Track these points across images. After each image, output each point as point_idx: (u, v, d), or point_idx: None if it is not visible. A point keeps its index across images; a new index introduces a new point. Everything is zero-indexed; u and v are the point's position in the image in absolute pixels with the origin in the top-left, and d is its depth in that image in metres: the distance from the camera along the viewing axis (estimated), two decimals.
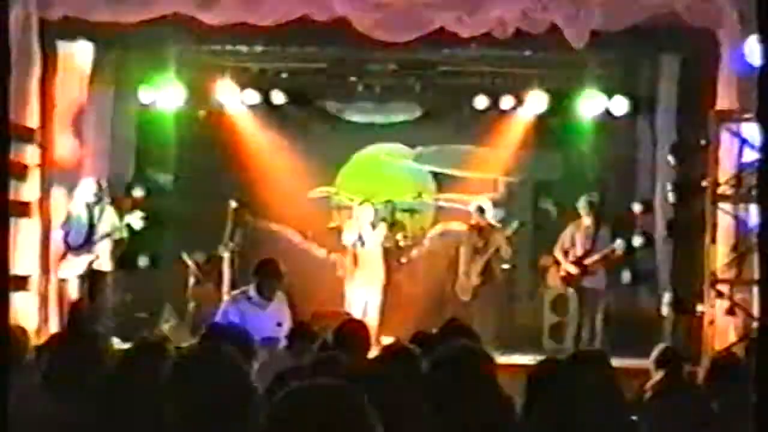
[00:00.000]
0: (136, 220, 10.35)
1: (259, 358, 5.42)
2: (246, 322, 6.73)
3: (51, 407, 3.47)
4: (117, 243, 10.24)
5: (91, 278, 9.95)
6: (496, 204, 12.38)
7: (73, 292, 9.91)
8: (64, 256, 9.94)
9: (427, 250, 12.26)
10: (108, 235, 10.03)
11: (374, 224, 10.82)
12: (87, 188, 10.13)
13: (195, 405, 2.73)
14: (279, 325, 7.03)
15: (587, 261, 10.31)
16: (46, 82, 9.88)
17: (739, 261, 8.64)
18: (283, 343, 6.48)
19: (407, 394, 3.21)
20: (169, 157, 12.19)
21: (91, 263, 9.95)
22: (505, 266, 11.23)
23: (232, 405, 2.77)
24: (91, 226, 9.98)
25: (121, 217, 10.26)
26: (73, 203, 10.15)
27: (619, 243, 10.39)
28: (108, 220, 10.10)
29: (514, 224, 10.76)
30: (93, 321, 9.51)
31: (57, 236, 10.01)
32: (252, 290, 7.33)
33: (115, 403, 3.21)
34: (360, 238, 10.71)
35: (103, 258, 10.11)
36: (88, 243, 9.95)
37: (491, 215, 10.87)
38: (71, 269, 9.93)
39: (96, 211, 10.05)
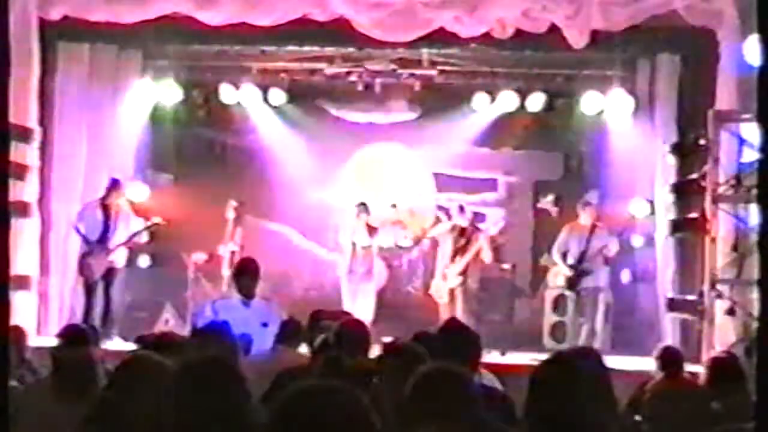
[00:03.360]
0: (151, 222, 10.40)
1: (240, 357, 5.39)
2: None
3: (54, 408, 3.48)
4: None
5: (107, 278, 9.96)
6: (496, 204, 12.41)
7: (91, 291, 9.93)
8: (83, 257, 9.93)
9: (427, 250, 12.25)
10: (131, 237, 10.07)
11: (372, 224, 10.81)
12: (107, 187, 10.14)
13: (194, 412, 2.73)
14: (264, 325, 7.01)
15: (584, 264, 10.29)
16: (46, 82, 9.90)
17: (739, 261, 8.65)
18: (268, 343, 6.47)
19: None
20: (169, 157, 12.19)
21: (111, 263, 9.95)
22: (506, 266, 11.21)
23: (230, 412, 2.78)
24: (108, 223, 9.95)
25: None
26: (90, 202, 10.18)
27: (614, 242, 10.38)
28: (126, 221, 10.11)
29: (499, 225, 10.62)
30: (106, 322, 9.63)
31: (73, 235, 10.05)
32: (234, 291, 7.40)
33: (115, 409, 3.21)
34: (357, 238, 10.70)
35: (117, 259, 10.16)
36: (105, 241, 9.92)
37: (471, 215, 10.75)
38: (92, 269, 9.93)
39: (114, 208, 10.01)
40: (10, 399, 2.51)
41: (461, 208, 10.75)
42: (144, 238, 10.46)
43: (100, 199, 10.01)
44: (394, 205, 11.95)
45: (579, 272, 10.26)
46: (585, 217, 10.42)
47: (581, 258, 10.27)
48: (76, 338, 5.45)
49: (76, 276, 10.15)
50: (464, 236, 10.50)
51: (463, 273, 10.34)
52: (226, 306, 7.31)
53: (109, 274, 9.94)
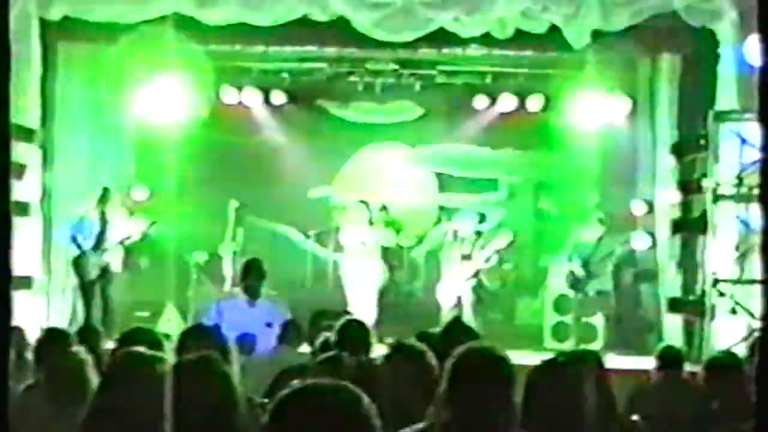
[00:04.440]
0: (147, 225, 10.41)
1: (234, 358, 5.38)
2: (230, 321, 6.74)
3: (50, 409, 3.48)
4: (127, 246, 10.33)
5: (102, 279, 9.95)
6: (496, 204, 12.40)
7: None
8: (77, 259, 9.93)
9: (427, 250, 12.25)
10: (122, 242, 10.08)
11: (371, 224, 10.79)
12: (99, 192, 10.16)
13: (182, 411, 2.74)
14: (269, 325, 7.02)
15: (589, 268, 10.34)
16: (46, 82, 9.90)
17: (740, 260, 8.65)
18: (273, 343, 6.47)
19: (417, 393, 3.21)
20: (170, 157, 12.17)
21: (105, 265, 9.95)
22: (506, 266, 11.22)
23: (220, 415, 2.78)
24: (103, 229, 9.97)
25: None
26: (84, 206, 10.18)
27: (619, 251, 10.44)
28: (119, 223, 10.12)
29: (507, 234, 10.50)
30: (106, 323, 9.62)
31: (66, 238, 10.05)
32: (239, 291, 7.42)
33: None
34: (358, 237, 10.69)
35: (112, 259, 10.14)
36: (100, 246, 9.93)
37: (470, 230, 10.60)
38: (86, 269, 9.92)
39: (108, 214, 10.03)
40: (10, 400, 2.51)
41: (462, 229, 10.66)
42: (137, 238, 10.47)
43: (93, 208, 10.07)
44: (384, 208, 11.89)
45: (586, 275, 10.36)
46: (595, 229, 10.51)
47: (587, 263, 10.35)
48: (58, 339, 5.38)
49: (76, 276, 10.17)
50: (470, 243, 10.46)
51: (474, 277, 10.32)
52: (231, 306, 7.33)
53: (105, 275, 9.95)
